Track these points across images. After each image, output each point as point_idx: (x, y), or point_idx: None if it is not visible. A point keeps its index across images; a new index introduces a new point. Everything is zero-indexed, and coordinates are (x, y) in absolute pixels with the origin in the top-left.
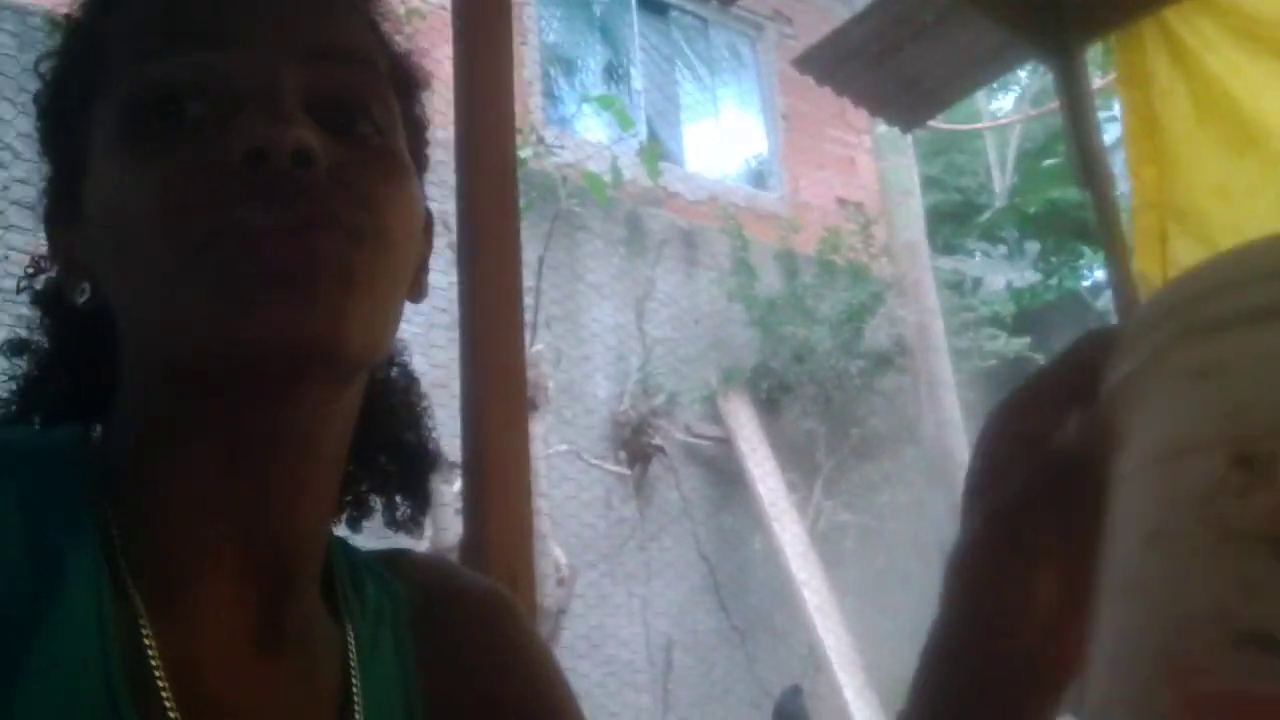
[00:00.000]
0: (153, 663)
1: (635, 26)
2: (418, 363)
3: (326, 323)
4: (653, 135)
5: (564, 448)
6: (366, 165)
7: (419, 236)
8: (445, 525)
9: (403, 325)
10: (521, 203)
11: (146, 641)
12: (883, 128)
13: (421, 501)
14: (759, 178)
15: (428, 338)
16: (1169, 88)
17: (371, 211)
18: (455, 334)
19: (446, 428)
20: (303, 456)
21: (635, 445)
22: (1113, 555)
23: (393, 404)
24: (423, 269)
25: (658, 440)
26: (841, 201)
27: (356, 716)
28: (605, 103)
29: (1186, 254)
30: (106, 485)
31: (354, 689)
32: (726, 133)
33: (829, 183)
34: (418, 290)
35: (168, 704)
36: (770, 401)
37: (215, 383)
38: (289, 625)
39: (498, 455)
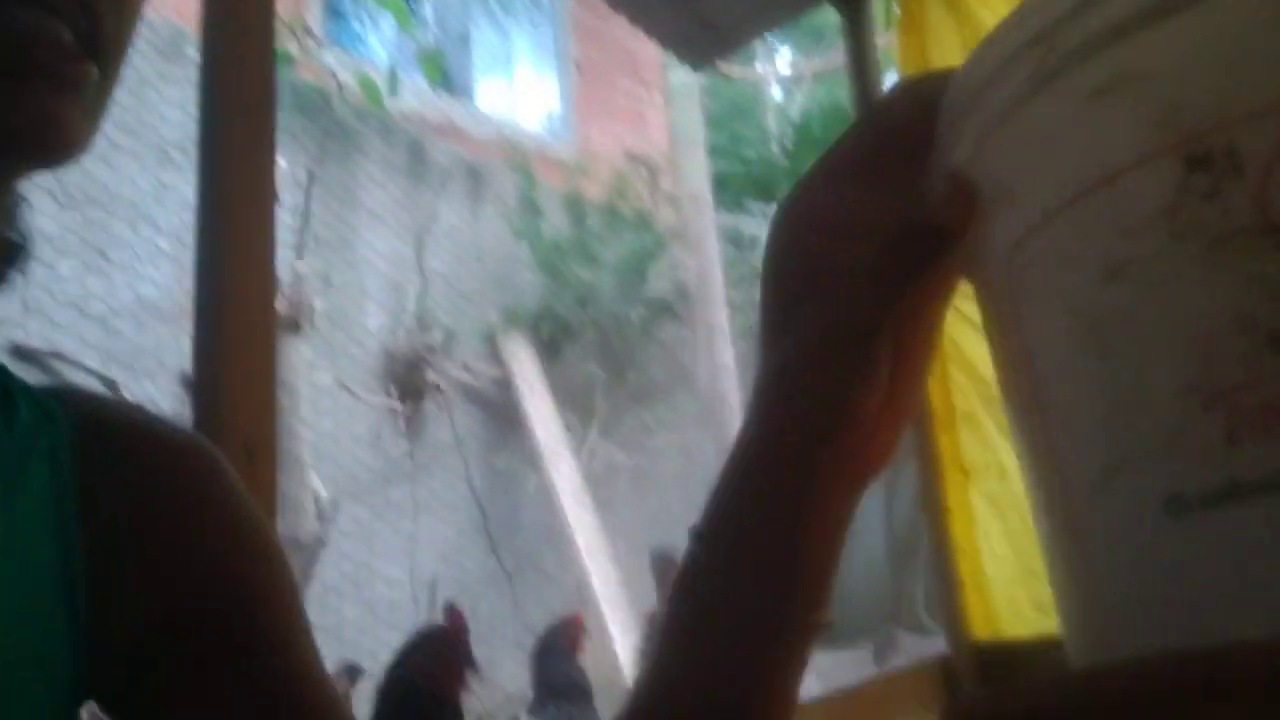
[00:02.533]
0: None
1: None
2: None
3: (87, 115)
4: (438, 52)
5: (328, 379)
6: None
7: None
8: None
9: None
10: (291, 112)
11: None
12: (672, 77)
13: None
14: (550, 123)
15: (169, 247)
16: (941, 34)
17: (113, 20)
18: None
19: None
20: None
21: (408, 380)
22: (1049, 317)
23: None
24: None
25: (432, 377)
26: (630, 154)
27: None
28: (386, 3)
29: None
30: None
31: None
32: (519, 77)
33: (619, 134)
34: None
35: None
36: (551, 344)
37: None
38: None
39: (241, 375)
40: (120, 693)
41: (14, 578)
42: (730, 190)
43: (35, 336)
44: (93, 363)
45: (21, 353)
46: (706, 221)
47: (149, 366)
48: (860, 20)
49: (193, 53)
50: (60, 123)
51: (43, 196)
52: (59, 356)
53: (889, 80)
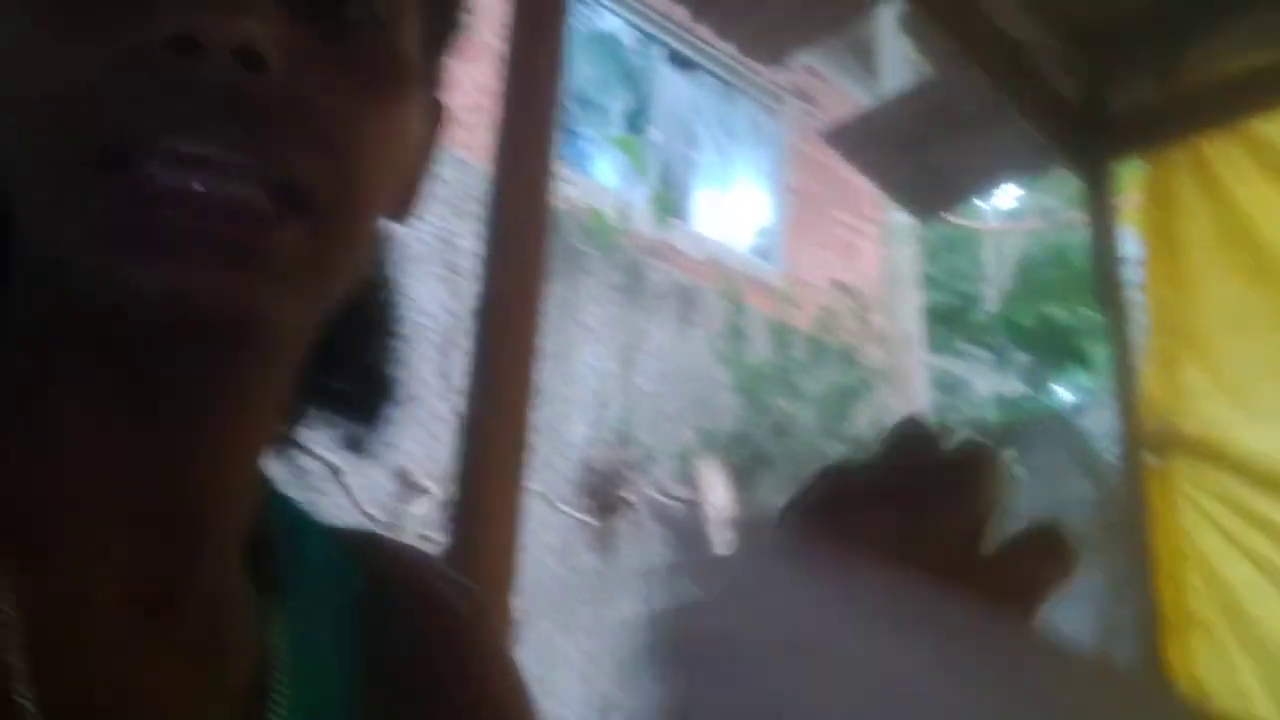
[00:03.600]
0: (7, 628)
1: (661, 78)
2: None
3: (241, 307)
4: (664, 186)
5: (535, 487)
6: (346, 72)
7: (409, 155)
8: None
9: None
10: None
11: (3, 607)
12: (891, 216)
13: (370, 421)
14: (762, 248)
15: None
16: (1194, 212)
17: (336, 154)
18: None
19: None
20: (213, 411)
21: (604, 495)
22: None
23: (362, 326)
24: (417, 183)
25: (627, 493)
26: (840, 284)
27: (275, 702)
28: (622, 144)
29: (1197, 381)
30: None
31: (275, 669)
32: (735, 199)
33: (830, 264)
34: (406, 209)
35: (20, 691)
36: (745, 472)
37: (101, 333)
38: (192, 592)
39: (495, 478)
40: None
41: None
42: (941, 330)
43: None
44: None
45: None
46: (916, 363)
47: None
48: (1101, 186)
49: (446, 171)
50: (209, 299)
51: None
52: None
53: (1127, 239)
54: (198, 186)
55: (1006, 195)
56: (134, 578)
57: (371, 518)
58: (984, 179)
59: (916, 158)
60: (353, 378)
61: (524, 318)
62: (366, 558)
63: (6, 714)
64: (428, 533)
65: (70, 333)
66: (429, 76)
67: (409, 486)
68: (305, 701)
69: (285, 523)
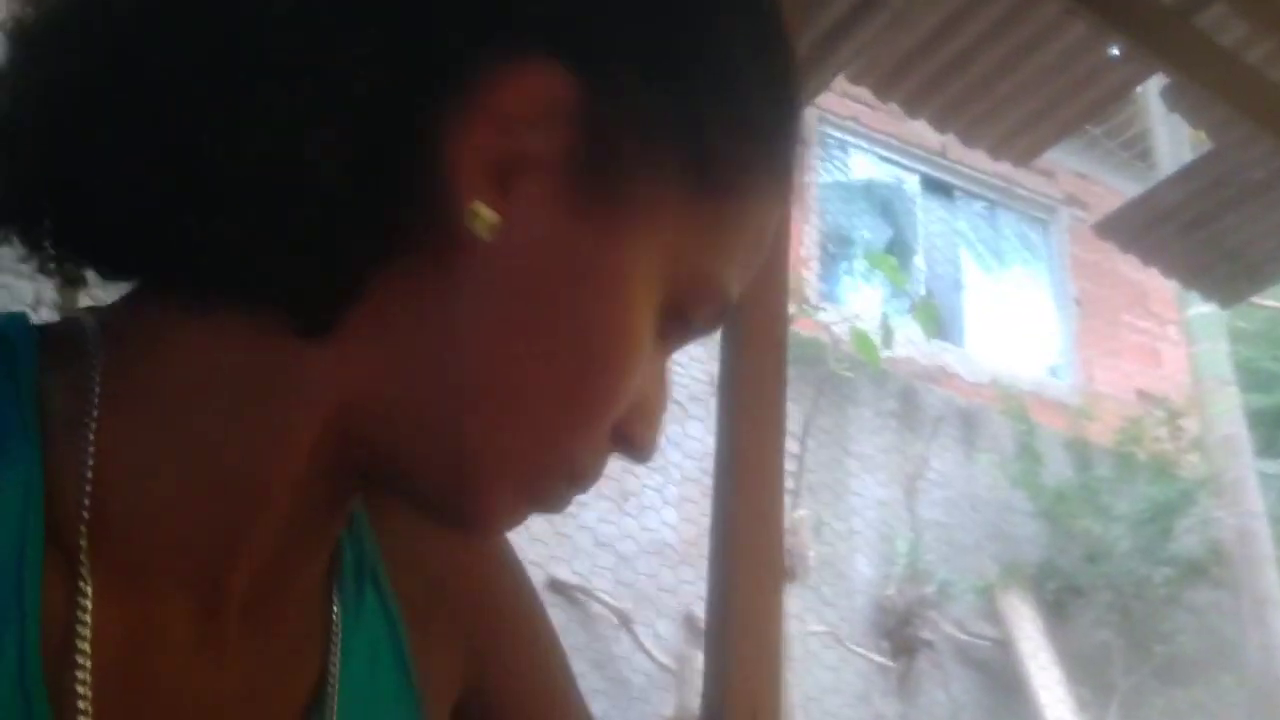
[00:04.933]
0: (80, 630)
1: (919, 208)
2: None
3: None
4: (928, 306)
5: (821, 629)
6: None
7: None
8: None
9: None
10: (790, 365)
11: (83, 603)
12: (1192, 310)
13: None
14: (1049, 364)
15: (680, 491)
16: None
17: None
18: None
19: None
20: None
21: (900, 635)
22: None
23: None
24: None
25: (926, 633)
26: (1142, 393)
27: (330, 688)
28: (877, 261)
29: None
30: (70, 400)
31: (332, 659)
32: (1012, 317)
33: (1127, 372)
34: None
35: (81, 683)
36: (1056, 605)
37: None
38: (275, 598)
39: (747, 617)
40: None
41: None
42: (1266, 430)
43: (566, 569)
44: (610, 597)
45: (556, 585)
46: (1244, 468)
47: (660, 603)
48: None
49: None
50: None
51: None
52: (585, 591)
53: None
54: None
55: None
56: (200, 581)
57: (663, 666)
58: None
59: (1202, 237)
60: None
61: (767, 448)
62: (372, 521)
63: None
64: None
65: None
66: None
67: (698, 633)
68: (362, 683)
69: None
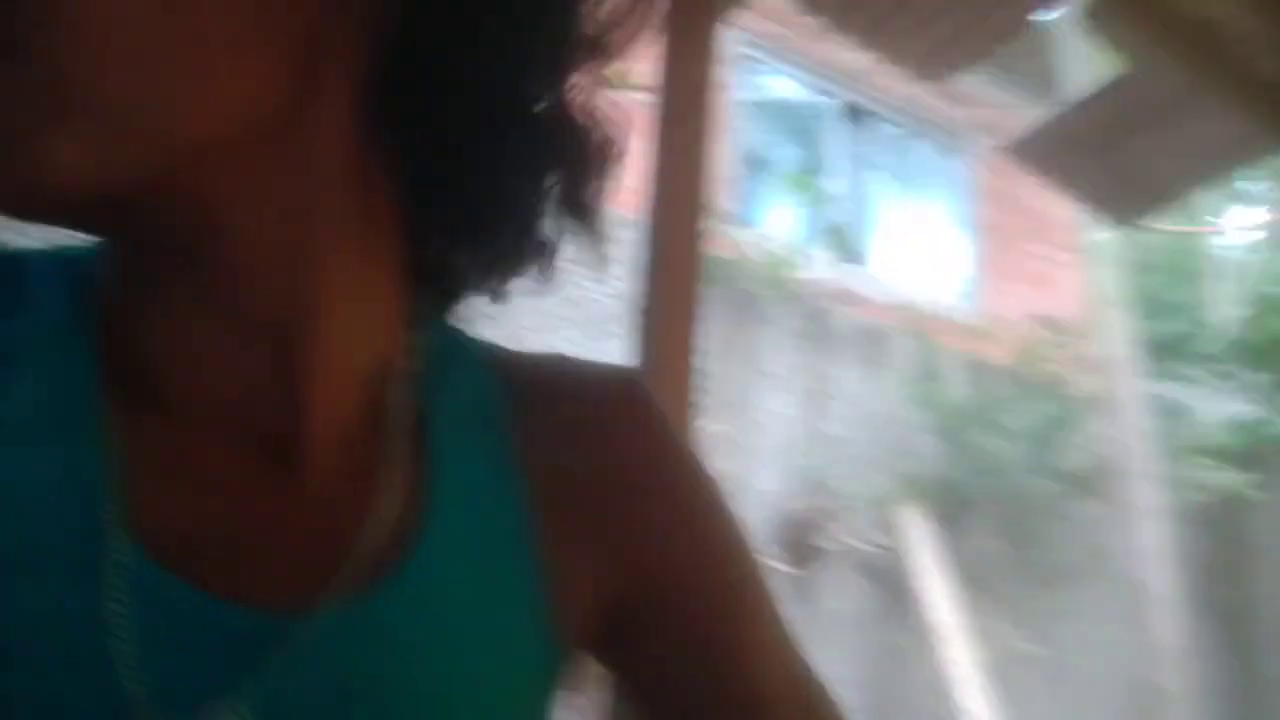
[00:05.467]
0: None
1: (834, 131)
2: None
3: (22, 162)
4: (840, 230)
5: None
6: None
7: None
8: None
9: None
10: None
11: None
12: (1090, 237)
13: (508, 253)
14: (952, 288)
15: None
16: None
17: (24, 9)
18: None
19: None
20: (219, 273)
21: (799, 545)
22: None
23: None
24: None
25: (825, 543)
26: (1040, 317)
27: (428, 535)
28: (796, 183)
29: None
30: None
31: (423, 505)
32: (920, 242)
33: (1026, 297)
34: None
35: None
36: (949, 517)
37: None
38: (312, 436)
39: None
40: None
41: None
42: (1164, 354)
43: None
44: None
45: None
46: (1130, 389)
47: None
48: None
49: (626, 234)
50: None
51: None
52: None
53: None
54: None
55: (1228, 194)
56: (250, 427)
57: None
58: (1188, 176)
59: (1109, 160)
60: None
61: (681, 366)
62: (513, 377)
63: (102, 542)
64: None
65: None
66: None
67: None
68: (464, 533)
69: (438, 355)
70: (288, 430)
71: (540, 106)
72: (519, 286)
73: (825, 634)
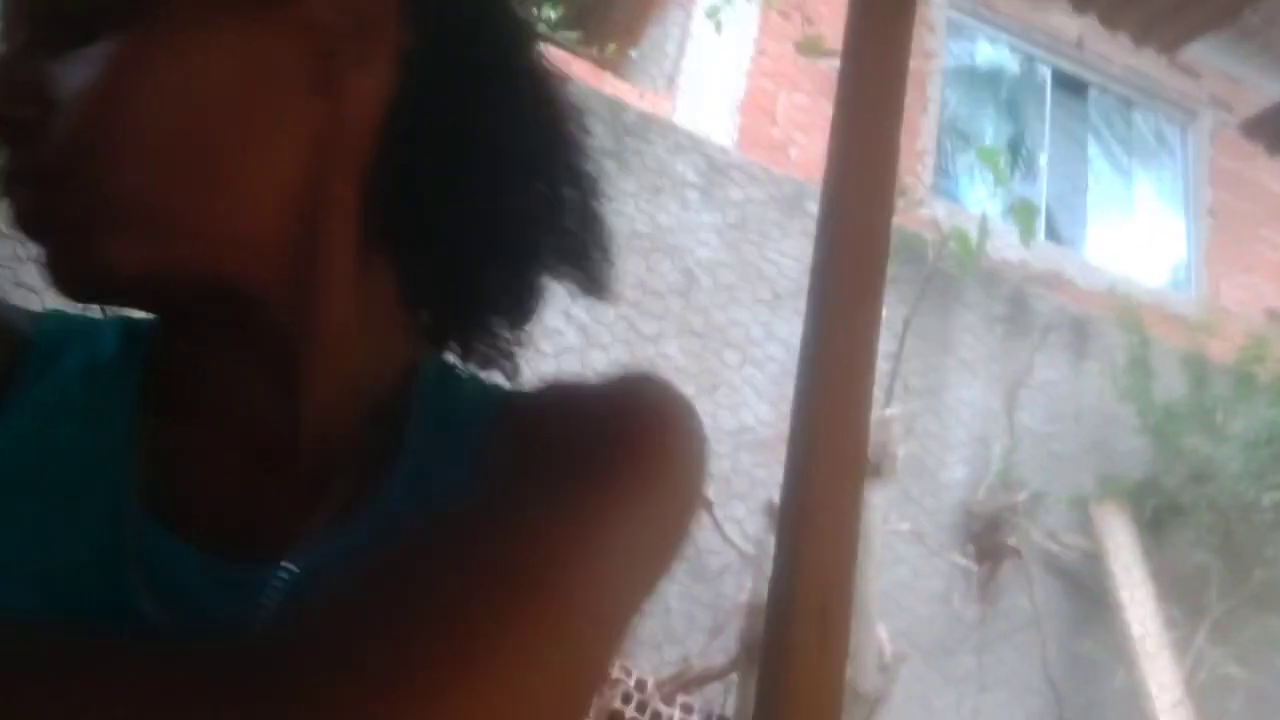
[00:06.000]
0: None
1: (1048, 102)
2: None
3: (81, 265)
4: (1051, 215)
5: (905, 527)
6: (75, 76)
7: (195, 89)
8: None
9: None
10: (892, 260)
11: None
12: None
13: (586, 276)
14: (1171, 275)
15: (772, 384)
16: None
17: (69, 143)
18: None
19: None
20: (237, 343)
21: (986, 540)
22: None
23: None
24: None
25: (1013, 540)
26: (1272, 312)
27: (387, 488)
28: (984, 155)
29: None
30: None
31: (387, 478)
32: (1138, 224)
33: (1258, 290)
34: (340, 98)
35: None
36: (1155, 522)
37: None
38: (299, 445)
39: (823, 508)
40: None
41: None
42: None
43: None
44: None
45: None
46: None
47: (741, 489)
48: None
49: (811, 206)
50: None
51: (670, 334)
52: None
53: None
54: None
55: None
56: (252, 436)
57: (741, 551)
58: None
59: None
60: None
61: (859, 342)
62: (509, 405)
63: (117, 505)
64: None
65: None
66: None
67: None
68: (419, 498)
69: (434, 388)
70: (284, 435)
71: (523, 195)
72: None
73: (1008, 635)
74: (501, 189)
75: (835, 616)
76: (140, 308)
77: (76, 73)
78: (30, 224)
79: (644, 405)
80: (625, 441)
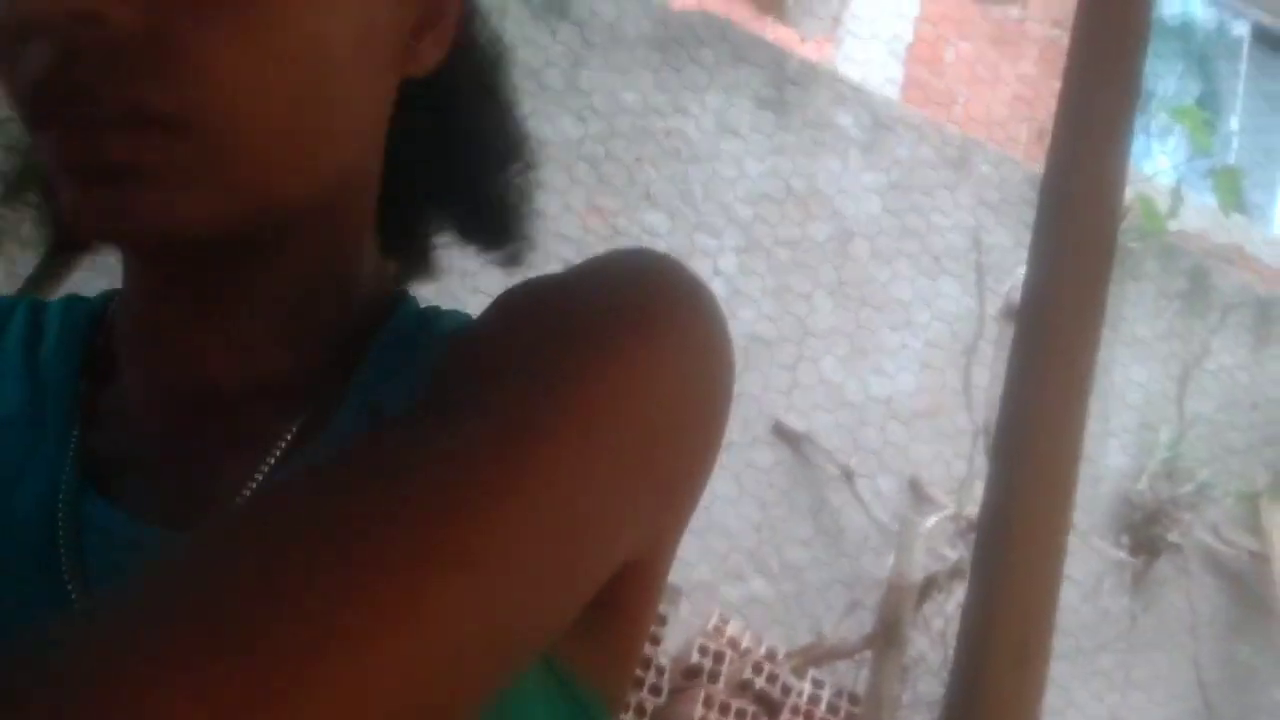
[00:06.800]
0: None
1: (1244, 60)
2: (904, 378)
3: (144, 218)
4: (1233, 177)
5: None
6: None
7: (325, 45)
8: (912, 558)
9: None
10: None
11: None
12: None
13: (498, 241)
14: None
15: (923, 353)
16: None
17: (189, 77)
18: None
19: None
20: (224, 296)
21: (1144, 533)
22: None
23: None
24: (407, 35)
25: (1174, 535)
26: None
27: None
28: (1181, 115)
29: None
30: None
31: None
32: None
33: None
34: (411, 62)
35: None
36: None
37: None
38: (247, 387)
39: (1029, 512)
40: None
41: None
42: None
43: (795, 417)
44: (838, 451)
45: (780, 431)
46: None
47: (887, 462)
48: None
49: (981, 166)
50: (96, 218)
51: (822, 294)
52: (810, 440)
53: None
54: (79, 136)
55: None
56: (197, 379)
57: (882, 525)
58: None
59: None
60: (464, 204)
61: (1077, 329)
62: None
63: (58, 478)
64: (938, 547)
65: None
66: None
67: (922, 498)
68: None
69: (406, 324)
70: (231, 389)
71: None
72: None
73: (1162, 635)
74: (480, 179)
75: (1035, 651)
76: (157, 263)
77: None
78: (95, 173)
79: (642, 273)
80: (620, 311)
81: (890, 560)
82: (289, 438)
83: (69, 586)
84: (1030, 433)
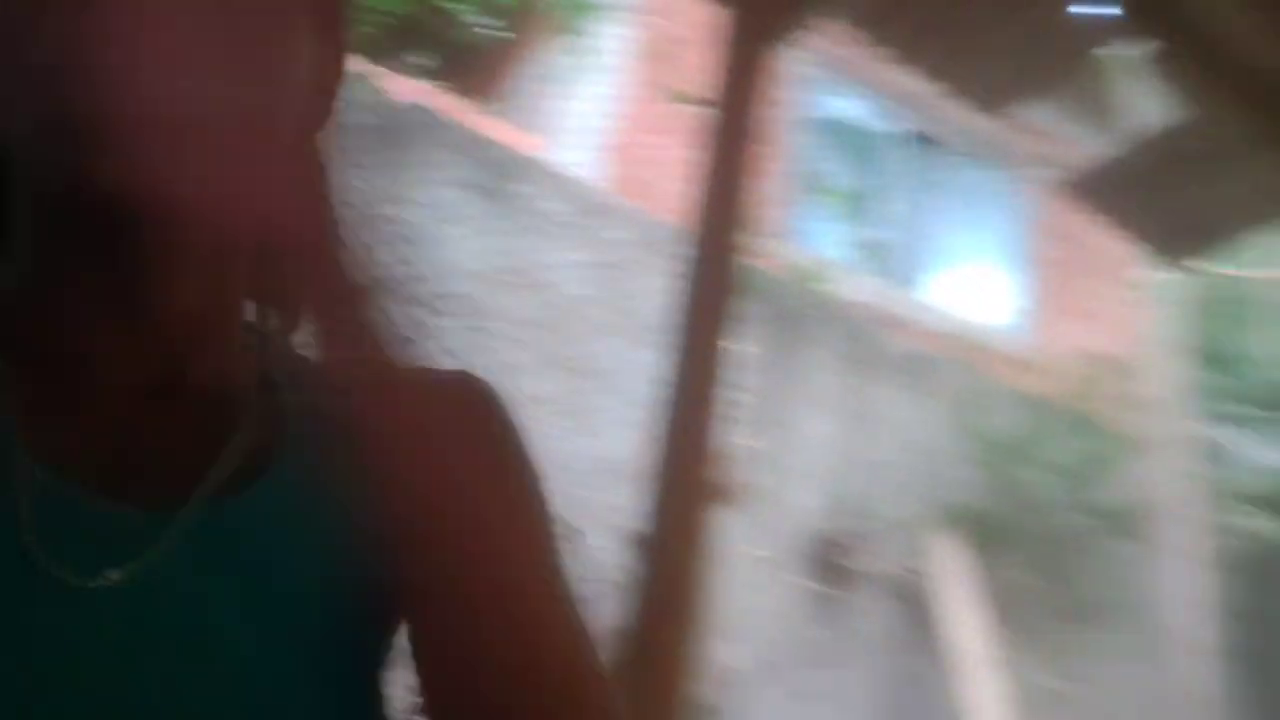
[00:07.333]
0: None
1: (894, 156)
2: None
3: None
4: (897, 261)
5: (755, 554)
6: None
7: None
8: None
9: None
10: (748, 302)
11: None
12: (1149, 275)
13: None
14: (1004, 319)
15: (633, 414)
16: None
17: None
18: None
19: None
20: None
21: (831, 565)
22: None
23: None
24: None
25: (857, 565)
26: (1090, 354)
27: (279, 457)
28: (828, 196)
29: None
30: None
31: (275, 444)
32: (974, 271)
33: (1078, 333)
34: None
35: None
36: (983, 547)
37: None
38: (187, 385)
39: (675, 535)
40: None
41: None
42: (1213, 400)
43: None
44: (565, 512)
45: None
46: (1176, 430)
47: (608, 520)
48: None
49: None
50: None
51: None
52: None
53: None
54: None
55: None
56: (133, 374)
57: (609, 581)
58: (1245, 221)
59: (1166, 201)
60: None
61: (708, 377)
62: (357, 380)
63: (7, 464)
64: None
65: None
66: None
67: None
68: (309, 472)
69: (283, 353)
70: (168, 381)
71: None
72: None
73: (851, 656)
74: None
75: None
76: (118, 213)
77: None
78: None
79: (488, 391)
80: (509, 425)
81: (618, 609)
82: (245, 449)
83: (36, 556)
84: (671, 458)
